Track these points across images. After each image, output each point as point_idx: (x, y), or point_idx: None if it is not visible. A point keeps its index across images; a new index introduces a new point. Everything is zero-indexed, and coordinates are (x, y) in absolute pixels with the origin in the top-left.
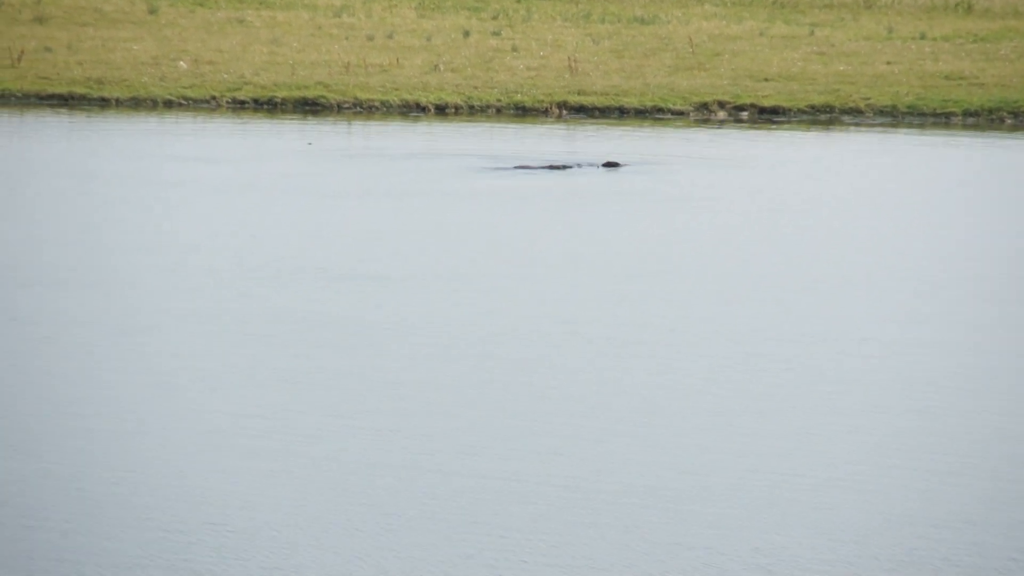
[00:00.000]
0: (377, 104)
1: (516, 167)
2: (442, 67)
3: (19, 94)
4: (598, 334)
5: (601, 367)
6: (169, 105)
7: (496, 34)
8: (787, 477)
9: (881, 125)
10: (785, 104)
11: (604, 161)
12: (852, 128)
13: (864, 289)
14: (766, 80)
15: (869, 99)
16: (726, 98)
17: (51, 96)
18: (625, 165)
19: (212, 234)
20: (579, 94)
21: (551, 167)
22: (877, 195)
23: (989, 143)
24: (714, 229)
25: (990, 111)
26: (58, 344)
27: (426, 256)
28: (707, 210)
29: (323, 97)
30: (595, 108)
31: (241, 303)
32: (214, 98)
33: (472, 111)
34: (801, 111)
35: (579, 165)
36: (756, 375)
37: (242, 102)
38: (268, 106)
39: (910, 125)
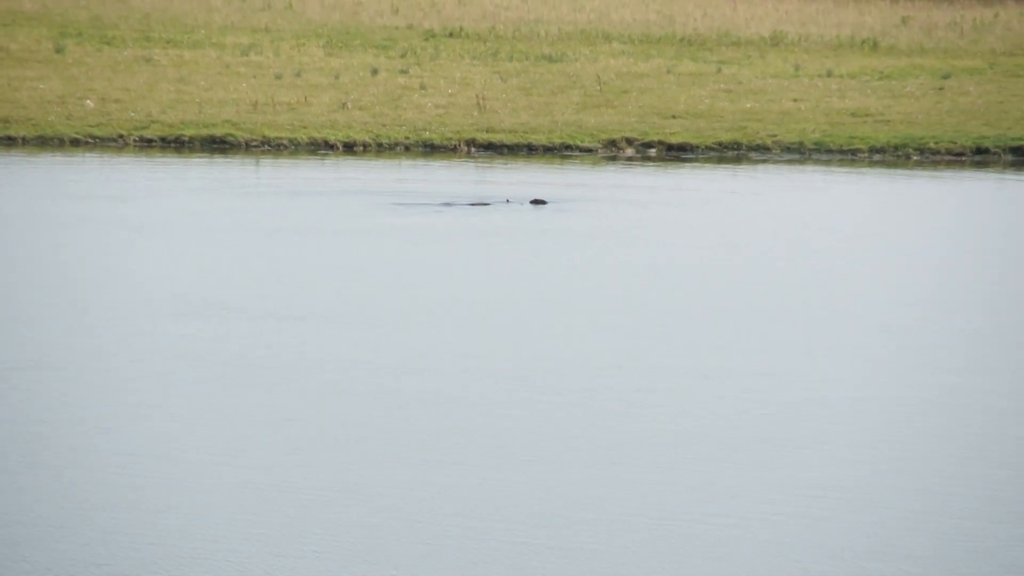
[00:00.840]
0: (285, 142)
1: (441, 204)
2: (350, 105)
3: None
4: (545, 378)
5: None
6: (76, 144)
7: (404, 72)
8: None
9: (788, 162)
10: (693, 141)
11: (531, 198)
12: (760, 165)
13: (809, 325)
14: (674, 117)
15: (776, 136)
16: (634, 135)
17: None
18: (551, 202)
19: (117, 271)
20: (488, 131)
21: (474, 204)
22: (803, 230)
23: (910, 179)
24: (651, 265)
25: (896, 148)
26: None
27: (348, 294)
28: (641, 245)
29: (231, 135)
30: (504, 145)
31: (143, 339)
32: (121, 136)
33: (380, 149)
34: (709, 148)
35: (508, 201)
36: (712, 411)
37: (149, 140)
38: (176, 144)
39: (817, 162)
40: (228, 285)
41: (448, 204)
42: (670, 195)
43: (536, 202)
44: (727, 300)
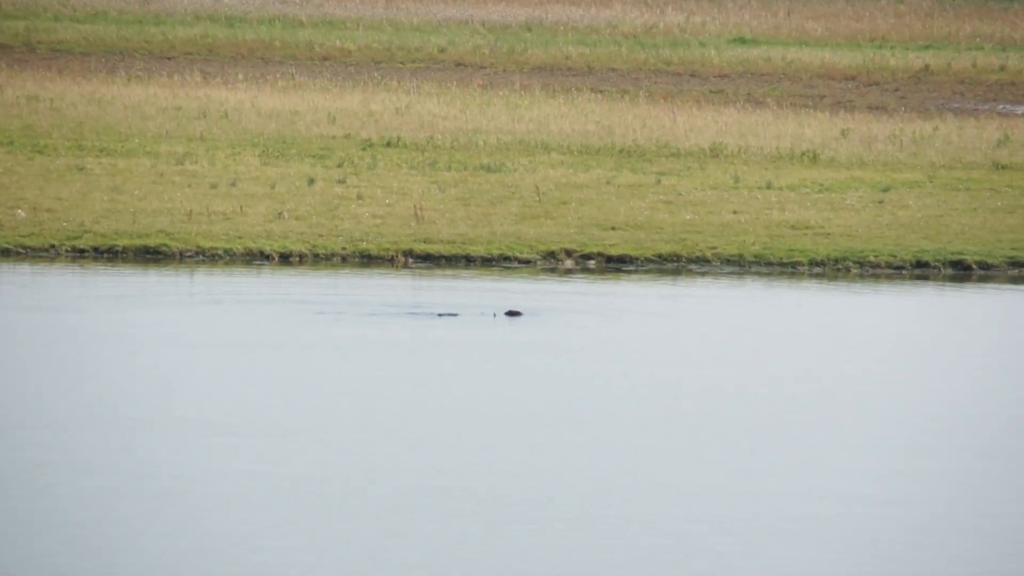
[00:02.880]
0: (220, 252)
1: (407, 313)
2: (286, 215)
3: None
4: (552, 490)
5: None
6: (6, 254)
7: (341, 182)
8: None
9: (728, 275)
10: (632, 253)
11: (506, 310)
12: (700, 277)
13: (808, 438)
14: (613, 229)
15: (716, 248)
16: (573, 246)
17: None
18: (525, 314)
19: (50, 383)
20: (425, 242)
21: (441, 315)
22: (771, 343)
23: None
24: (646, 380)
25: (836, 260)
26: None
27: (327, 407)
28: (624, 360)
29: (165, 245)
30: (441, 256)
31: (68, 455)
32: (53, 247)
33: (317, 259)
34: (648, 260)
35: (493, 313)
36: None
37: (82, 251)
38: (109, 255)
39: (757, 274)
40: (189, 398)
41: (414, 313)
42: (650, 305)
43: (511, 313)
44: (728, 417)
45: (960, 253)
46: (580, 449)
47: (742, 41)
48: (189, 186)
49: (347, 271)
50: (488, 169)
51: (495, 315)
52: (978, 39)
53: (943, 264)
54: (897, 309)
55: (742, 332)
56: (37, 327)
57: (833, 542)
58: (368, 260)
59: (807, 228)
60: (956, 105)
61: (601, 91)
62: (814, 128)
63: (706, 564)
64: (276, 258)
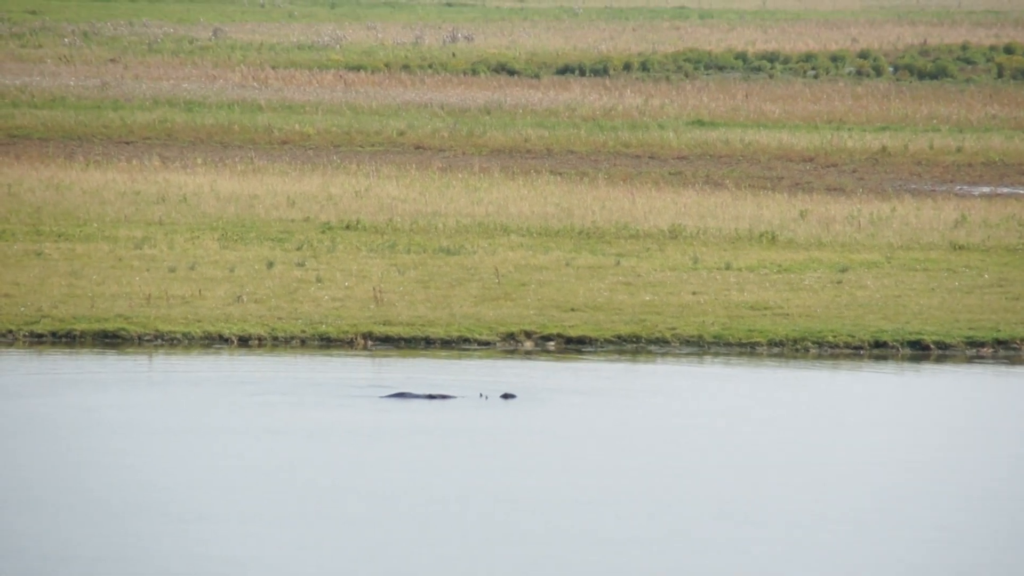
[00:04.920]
0: (179, 336)
1: (391, 395)
2: (245, 298)
3: None
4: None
5: None
6: None
7: (300, 265)
8: None
9: (688, 355)
10: (592, 334)
11: (502, 393)
12: (659, 358)
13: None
14: (572, 310)
15: (675, 329)
16: (532, 328)
17: None
18: (519, 396)
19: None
20: (385, 324)
21: (431, 396)
22: (748, 423)
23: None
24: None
25: (795, 341)
26: None
27: (310, 494)
28: (626, 446)
29: (123, 329)
30: (401, 338)
31: (20, 541)
32: (11, 332)
33: (276, 342)
34: (608, 341)
35: (484, 396)
36: None
37: (40, 335)
38: (67, 339)
39: (716, 354)
40: (180, 485)
41: (401, 395)
42: (624, 389)
43: (506, 396)
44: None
45: (918, 333)
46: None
47: (700, 123)
48: (148, 270)
49: (324, 353)
50: (447, 251)
51: (485, 397)
52: (935, 121)
53: (901, 344)
54: (864, 389)
55: (758, 414)
56: None
57: None
58: (327, 343)
59: (766, 309)
60: (913, 186)
61: (560, 173)
62: (772, 209)
63: None
64: (235, 341)
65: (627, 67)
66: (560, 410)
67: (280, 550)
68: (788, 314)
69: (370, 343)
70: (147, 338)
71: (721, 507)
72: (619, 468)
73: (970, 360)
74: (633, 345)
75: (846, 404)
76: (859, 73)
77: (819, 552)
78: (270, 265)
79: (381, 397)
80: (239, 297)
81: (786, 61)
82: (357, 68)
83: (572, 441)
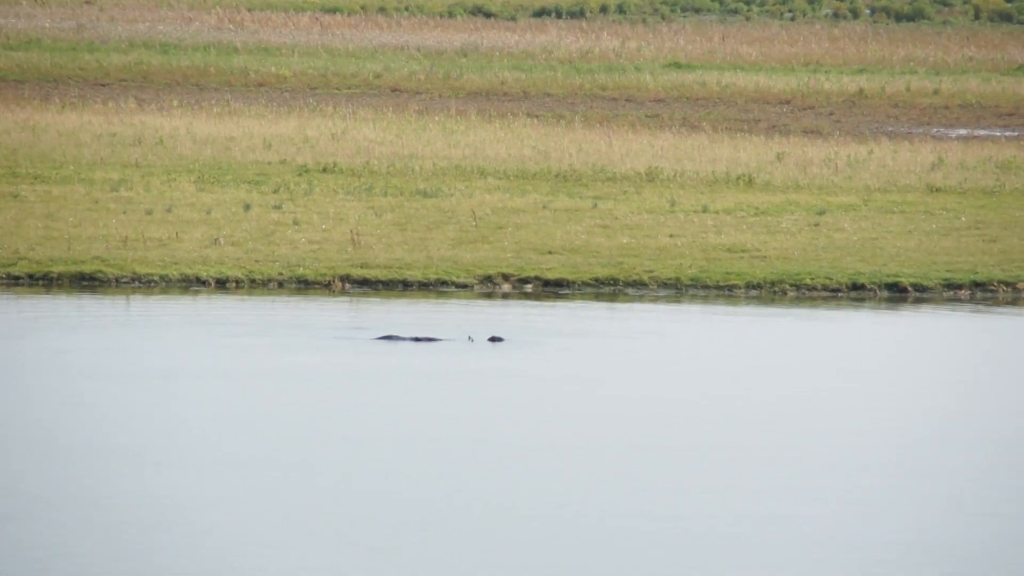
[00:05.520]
0: (156, 278)
1: (380, 338)
2: (222, 241)
3: None
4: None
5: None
6: None
7: (277, 207)
8: None
9: (665, 298)
10: (569, 277)
11: (489, 336)
12: (636, 301)
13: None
14: (550, 253)
15: (652, 271)
16: (510, 271)
17: None
18: (507, 339)
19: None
20: (362, 267)
21: (416, 339)
22: (742, 366)
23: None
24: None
25: (772, 283)
26: None
27: (330, 438)
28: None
29: (100, 271)
30: (378, 281)
31: (8, 481)
32: None
33: (253, 285)
34: (585, 283)
35: (471, 338)
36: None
37: (16, 278)
38: (44, 281)
39: (693, 297)
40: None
41: (390, 338)
42: (609, 331)
43: (494, 339)
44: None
45: (896, 275)
46: (575, 475)
47: (677, 66)
48: (124, 212)
49: (301, 295)
50: (424, 194)
51: (472, 339)
52: (912, 63)
53: (879, 286)
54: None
55: (735, 353)
56: None
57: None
58: (305, 285)
59: (743, 251)
60: (890, 128)
61: (537, 116)
62: (749, 152)
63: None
64: (212, 284)
65: (604, 9)
66: (549, 353)
67: (256, 495)
68: (765, 257)
69: (347, 285)
70: (124, 280)
71: (720, 451)
72: (611, 412)
73: (947, 302)
74: (610, 288)
75: (829, 345)
76: (836, 15)
77: (814, 486)
78: (247, 208)
79: (371, 339)
80: (216, 240)
81: (763, 3)
82: (333, 10)
83: (563, 384)
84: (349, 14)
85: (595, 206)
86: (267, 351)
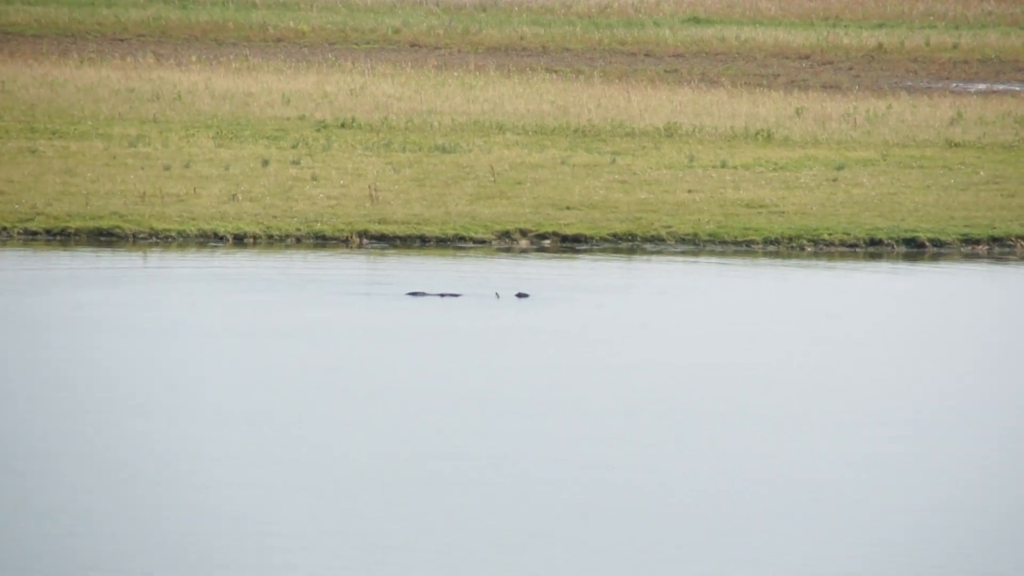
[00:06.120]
0: (174, 234)
1: (408, 294)
2: (240, 196)
3: None
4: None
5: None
6: None
7: (296, 163)
8: None
9: (683, 253)
10: (587, 232)
11: (516, 292)
12: (654, 256)
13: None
14: (568, 208)
15: (671, 227)
16: (528, 226)
17: None
18: (532, 295)
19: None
20: (380, 223)
21: (444, 295)
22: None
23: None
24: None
25: (790, 239)
26: None
27: (358, 394)
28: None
29: (118, 227)
30: (396, 237)
31: (28, 437)
32: (5, 229)
33: (271, 241)
34: (603, 239)
35: (497, 295)
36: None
37: (34, 233)
38: (61, 237)
39: (711, 253)
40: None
41: (416, 294)
42: (636, 287)
43: (520, 295)
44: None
45: (914, 231)
46: (592, 435)
47: (696, 21)
48: (142, 168)
49: (319, 251)
50: (443, 150)
51: (498, 295)
52: (931, 18)
53: (896, 242)
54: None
55: (753, 311)
56: None
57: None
58: (323, 241)
59: (761, 207)
60: (909, 83)
61: (556, 71)
62: (768, 107)
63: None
64: (230, 240)
65: None
66: (578, 309)
67: (271, 450)
68: (784, 212)
69: (365, 241)
70: (141, 236)
71: (738, 414)
72: (642, 368)
73: (965, 257)
74: (628, 243)
75: (848, 300)
76: None
77: (829, 447)
78: (265, 163)
79: (401, 295)
80: (234, 195)
81: None
82: None
83: (591, 342)
84: None
85: (613, 161)
86: (288, 307)
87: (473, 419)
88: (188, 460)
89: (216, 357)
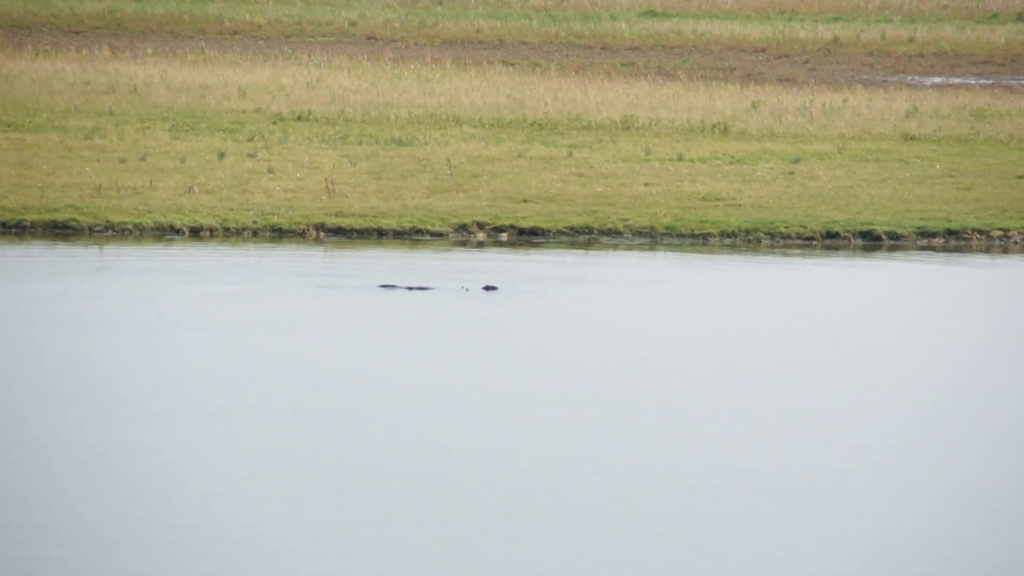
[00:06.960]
0: (130, 227)
1: (380, 286)
2: (196, 189)
3: None
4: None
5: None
6: None
7: (252, 156)
8: None
9: (639, 246)
10: (544, 225)
11: (484, 285)
12: (611, 250)
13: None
14: (525, 201)
15: (627, 220)
16: (485, 219)
17: None
18: (500, 288)
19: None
20: (337, 216)
21: (413, 288)
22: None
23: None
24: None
25: (747, 232)
26: None
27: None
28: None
29: (74, 220)
30: (353, 230)
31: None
32: None
33: (227, 233)
34: (560, 232)
35: (466, 288)
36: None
37: None
38: (16, 229)
39: (668, 246)
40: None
41: (388, 287)
42: (601, 279)
43: (488, 288)
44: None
45: (870, 224)
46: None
47: (652, 14)
48: (98, 160)
49: (275, 244)
50: (399, 143)
51: (467, 289)
52: (887, 11)
53: (853, 235)
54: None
55: (732, 302)
56: None
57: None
58: (279, 234)
59: (718, 200)
60: (865, 77)
61: (512, 64)
62: (724, 100)
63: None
64: (187, 232)
65: None
66: (548, 302)
67: (243, 445)
68: (740, 205)
69: (322, 234)
70: (97, 229)
71: (724, 403)
72: (609, 361)
73: (921, 250)
74: (585, 236)
75: (807, 292)
76: None
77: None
78: (221, 156)
79: (378, 287)
80: (190, 188)
81: None
82: None
83: (561, 333)
84: None
85: (570, 154)
86: (245, 300)
87: (461, 412)
88: (146, 454)
89: (179, 351)
